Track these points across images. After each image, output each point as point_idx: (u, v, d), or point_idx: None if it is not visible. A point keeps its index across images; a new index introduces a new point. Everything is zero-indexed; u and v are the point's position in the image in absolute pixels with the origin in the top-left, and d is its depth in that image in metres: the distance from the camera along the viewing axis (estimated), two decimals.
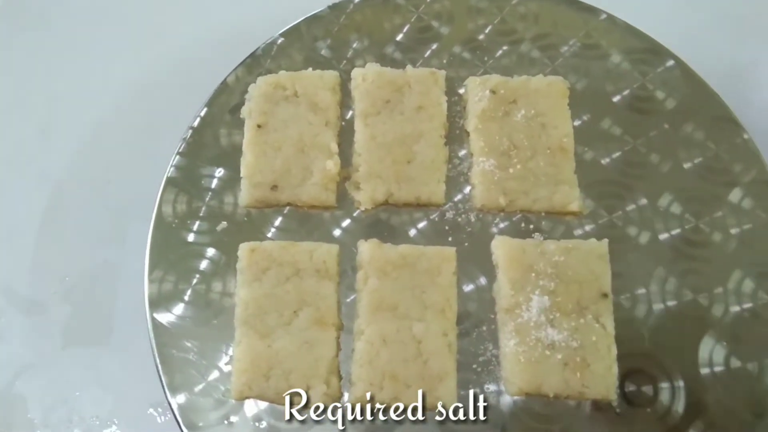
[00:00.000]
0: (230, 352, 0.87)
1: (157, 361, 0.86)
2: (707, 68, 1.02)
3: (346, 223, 0.95)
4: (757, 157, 0.96)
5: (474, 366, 0.87)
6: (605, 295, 0.88)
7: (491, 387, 0.86)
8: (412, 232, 0.94)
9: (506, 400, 0.85)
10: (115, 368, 0.98)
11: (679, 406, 0.85)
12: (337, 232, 0.94)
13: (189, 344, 0.87)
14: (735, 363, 0.87)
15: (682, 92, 1.00)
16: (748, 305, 0.89)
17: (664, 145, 0.97)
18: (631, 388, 0.85)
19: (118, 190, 1.08)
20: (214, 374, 0.86)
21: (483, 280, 0.91)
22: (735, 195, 0.95)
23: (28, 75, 1.17)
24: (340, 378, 0.86)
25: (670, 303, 0.89)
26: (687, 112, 0.99)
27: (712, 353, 0.87)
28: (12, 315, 1.01)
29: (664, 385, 0.85)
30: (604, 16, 1.05)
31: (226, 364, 0.86)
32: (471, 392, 0.85)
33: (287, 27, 1.05)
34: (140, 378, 0.92)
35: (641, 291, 0.90)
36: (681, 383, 0.86)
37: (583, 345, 0.85)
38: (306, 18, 1.06)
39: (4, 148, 1.12)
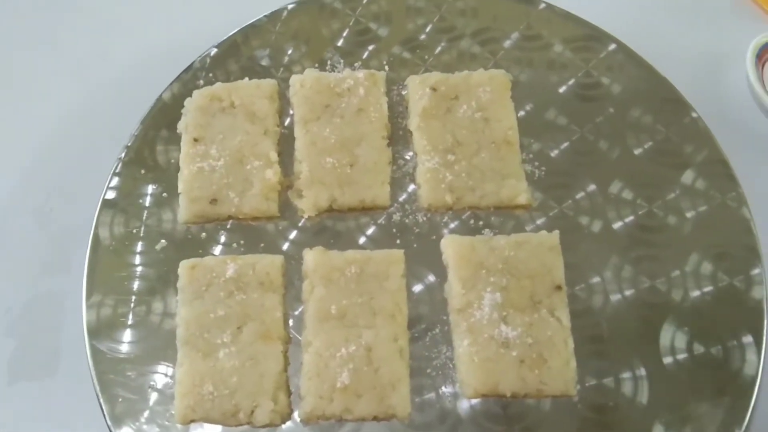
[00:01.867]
0: (173, 374, 0.83)
1: (98, 390, 0.83)
2: (650, 52, 1.00)
3: (292, 234, 0.92)
4: (707, 136, 0.94)
5: (428, 371, 0.84)
6: (559, 288, 0.85)
7: (447, 390, 0.82)
8: (361, 238, 0.91)
9: (463, 403, 0.82)
10: (63, 401, 0.94)
11: (643, 397, 0.81)
12: (283, 244, 0.91)
13: (130, 370, 0.84)
14: (698, 348, 0.84)
15: (626, 76, 0.98)
16: (708, 288, 0.86)
17: (611, 130, 0.95)
18: (591, 382, 0.82)
19: (60, 216, 1.05)
20: (158, 399, 0.83)
21: (434, 281, 0.88)
22: (688, 176, 0.92)
23: None
24: (290, 393, 0.83)
25: (627, 291, 0.87)
26: (633, 96, 0.97)
27: (673, 340, 0.84)
28: None
29: (626, 376, 0.82)
30: (543, 5, 1.03)
31: (170, 387, 0.83)
32: (426, 397, 0.82)
33: (222, 38, 1.03)
34: (89, 410, 0.88)
35: (596, 280, 0.87)
36: (643, 373, 0.82)
37: (539, 340, 0.82)
38: (241, 28, 1.04)
39: None
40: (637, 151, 0.94)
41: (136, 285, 0.88)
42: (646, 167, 0.93)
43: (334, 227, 0.92)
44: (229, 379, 0.81)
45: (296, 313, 0.87)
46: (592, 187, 0.92)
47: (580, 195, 0.92)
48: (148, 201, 0.93)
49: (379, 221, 0.92)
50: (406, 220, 0.92)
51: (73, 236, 1.02)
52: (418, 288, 0.88)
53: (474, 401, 0.82)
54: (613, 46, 1.00)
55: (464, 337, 0.83)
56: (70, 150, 1.09)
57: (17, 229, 1.05)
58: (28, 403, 0.95)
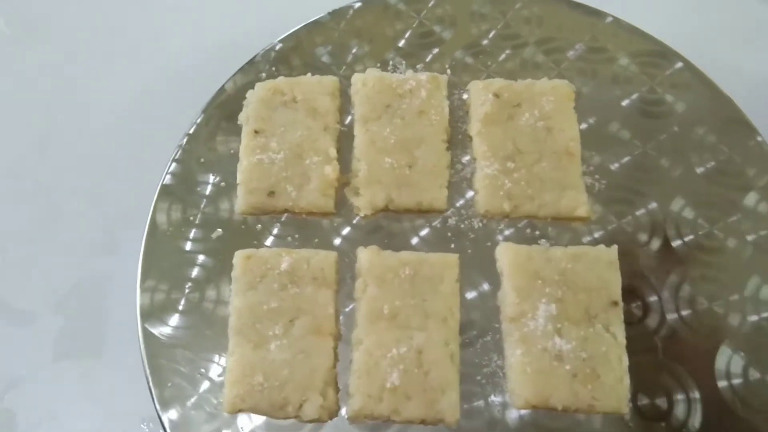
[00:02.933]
0: (223, 363, 0.83)
1: (148, 372, 0.83)
2: (717, 71, 0.98)
3: (345, 230, 0.92)
4: None
5: (478, 378, 0.83)
6: (615, 304, 0.84)
7: (496, 399, 0.82)
8: (414, 239, 0.91)
9: (512, 413, 0.81)
10: (106, 381, 0.95)
11: (695, 421, 0.80)
12: (336, 240, 0.91)
13: (181, 355, 0.84)
14: (754, 374, 0.82)
15: (692, 95, 0.97)
16: (766, 314, 0.85)
17: (674, 148, 0.94)
18: (644, 401, 0.81)
19: (113, 199, 1.06)
20: (207, 386, 0.83)
21: (487, 288, 0.87)
22: (750, 199, 0.91)
23: (26, 85, 1.16)
24: (338, 390, 0.82)
25: (684, 312, 0.85)
26: (698, 115, 0.96)
27: (729, 364, 0.83)
28: (2, 326, 0.98)
29: (679, 397, 0.81)
30: (609, 19, 1.02)
31: (219, 375, 0.83)
32: (475, 405, 0.81)
33: (287, 33, 1.03)
34: (132, 391, 0.90)
35: (653, 299, 0.86)
36: (697, 396, 0.81)
37: (593, 355, 0.81)
38: (306, 24, 1.04)
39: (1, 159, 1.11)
40: (699, 170, 0.93)
41: (190, 272, 0.89)
42: (709, 187, 0.92)
43: (388, 227, 0.91)
44: (280, 371, 0.81)
45: (347, 310, 0.87)
46: (652, 203, 0.91)
47: (640, 211, 0.90)
48: (205, 189, 0.93)
49: (434, 224, 0.91)
50: (462, 225, 0.91)
51: (125, 218, 1.04)
52: (470, 293, 0.87)
53: (523, 412, 0.81)
54: (679, 64, 0.98)
55: (517, 346, 0.82)
56: (127, 133, 1.11)
57: (70, 208, 1.06)
58: (72, 381, 0.96)
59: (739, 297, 0.86)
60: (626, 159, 0.94)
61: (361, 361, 0.82)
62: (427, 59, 1.01)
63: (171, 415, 0.81)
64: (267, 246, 0.90)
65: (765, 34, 1.13)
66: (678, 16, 1.15)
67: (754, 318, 0.85)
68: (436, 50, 1.02)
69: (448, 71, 1.00)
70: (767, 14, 1.15)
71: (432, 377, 0.80)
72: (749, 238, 0.89)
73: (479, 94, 0.96)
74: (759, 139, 0.94)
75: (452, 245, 0.90)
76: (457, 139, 0.96)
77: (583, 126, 0.95)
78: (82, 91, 1.15)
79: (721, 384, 0.82)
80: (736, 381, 0.82)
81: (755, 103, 0.97)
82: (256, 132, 0.94)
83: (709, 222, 0.90)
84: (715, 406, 0.81)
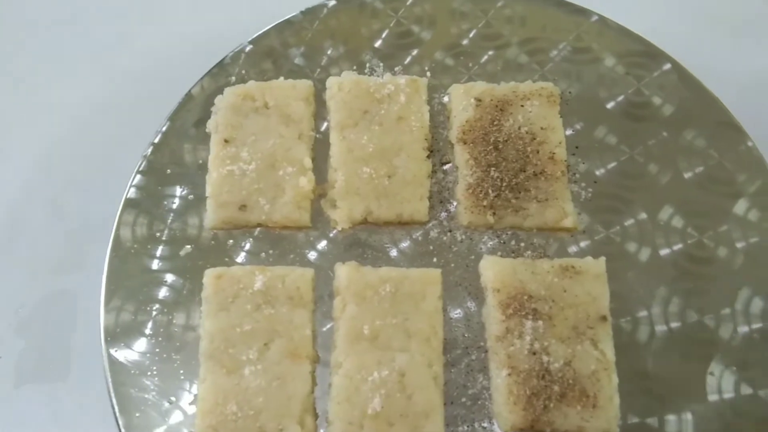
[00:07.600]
0: (194, 390, 0.79)
1: (114, 401, 0.78)
2: (705, 73, 0.95)
3: (321, 244, 0.87)
4: (762, 165, 0.90)
5: (463, 400, 0.79)
6: (604, 318, 0.80)
7: (483, 423, 0.78)
8: (393, 252, 0.87)
9: None
10: (73, 407, 0.90)
11: None
12: (312, 255, 0.87)
13: (149, 382, 0.79)
14: (746, 390, 0.80)
15: (680, 97, 0.94)
16: (757, 326, 0.83)
17: (663, 154, 0.91)
18: (634, 420, 0.78)
19: (76, 212, 1.00)
20: (177, 416, 0.78)
21: (471, 305, 0.84)
22: (740, 207, 0.88)
23: None
24: (316, 416, 0.78)
25: (674, 325, 0.82)
26: (686, 119, 0.93)
27: (720, 379, 0.80)
28: None
29: (671, 417, 0.78)
30: (595, 17, 0.98)
31: (190, 404, 0.78)
32: (460, 429, 0.78)
33: (257, 34, 0.98)
34: (100, 418, 0.86)
35: (643, 313, 0.83)
36: (688, 414, 0.78)
37: (582, 374, 0.78)
38: (277, 24, 0.99)
39: None
40: (687, 176, 0.90)
41: (157, 292, 0.84)
42: (698, 194, 0.89)
43: (366, 240, 0.87)
44: (255, 398, 0.76)
45: (324, 329, 0.83)
46: (641, 212, 0.88)
47: (628, 221, 0.87)
48: (172, 203, 0.88)
49: (414, 236, 0.87)
50: (444, 237, 0.87)
51: (89, 233, 0.99)
52: (454, 310, 0.84)
53: None
54: (667, 66, 0.95)
55: (502, 366, 0.79)
56: (90, 142, 1.05)
57: (31, 223, 1.00)
58: (36, 407, 0.91)
59: (730, 309, 0.83)
60: (613, 165, 0.90)
61: (341, 386, 0.78)
62: (406, 61, 0.97)
63: None
64: (239, 263, 0.85)
65: (756, 35, 1.09)
66: (666, 14, 1.11)
67: (745, 330, 0.82)
68: (414, 51, 0.97)
69: (428, 74, 0.96)
70: (755, 11, 1.11)
71: (415, 401, 0.77)
72: (739, 246, 0.86)
73: (460, 99, 0.92)
74: (749, 144, 0.91)
75: (434, 259, 0.86)
76: (438, 146, 0.92)
77: (569, 132, 0.91)
78: (40, 96, 1.08)
79: (713, 399, 0.79)
80: (728, 396, 0.79)
81: (745, 106, 0.94)
82: (225, 141, 0.89)
83: (699, 231, 0.87)
84: (707, 423, 0.78)
